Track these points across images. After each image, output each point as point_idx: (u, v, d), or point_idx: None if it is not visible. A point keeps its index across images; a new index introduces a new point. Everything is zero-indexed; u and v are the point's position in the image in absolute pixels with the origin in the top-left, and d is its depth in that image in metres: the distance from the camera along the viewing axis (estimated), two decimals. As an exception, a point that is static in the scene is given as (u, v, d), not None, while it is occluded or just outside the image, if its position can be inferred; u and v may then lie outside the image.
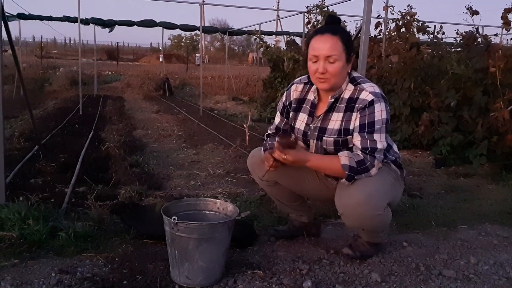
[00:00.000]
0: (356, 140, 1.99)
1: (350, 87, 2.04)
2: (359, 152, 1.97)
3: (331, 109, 2.07)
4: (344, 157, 1.96)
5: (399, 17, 5.58)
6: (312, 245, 2.40)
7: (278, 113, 2.30)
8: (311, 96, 2.16)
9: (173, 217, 1.87)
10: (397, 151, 2.20)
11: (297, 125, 2.18)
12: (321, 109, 2.12)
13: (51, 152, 4.53)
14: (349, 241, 2.31)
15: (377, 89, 2.02)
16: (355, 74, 2.09)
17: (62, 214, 2.61)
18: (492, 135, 4.34)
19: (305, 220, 2.46)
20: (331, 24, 2.05)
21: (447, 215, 3.01)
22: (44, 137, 5.38)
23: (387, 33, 6.24)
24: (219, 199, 2.58)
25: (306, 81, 2.18)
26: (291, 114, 2.22)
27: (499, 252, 2.41)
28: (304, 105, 2.18)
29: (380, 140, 1.97)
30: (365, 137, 1.97)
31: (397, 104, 5.32)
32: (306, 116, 2.16)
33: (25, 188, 3.12)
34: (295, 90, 2.21)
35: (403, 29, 5.57)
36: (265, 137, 2.35)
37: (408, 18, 5.49)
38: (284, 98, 2.26)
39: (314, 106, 2.14)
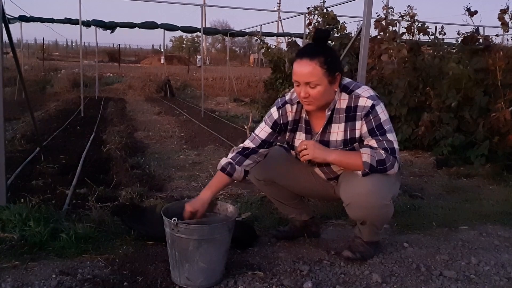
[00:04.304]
0: (372, 143, 2.00)
1: (344, 96, 2.03)
2: (381, 151, 1.97)
3: (329, 121, 2.07)
4: (366, 155, 1.96)
5: (395, 17, 5.55)
6: (313, 246, 2.40)
7: (265, 127, 2.17)
8: (303, 114, 2.14)
9: (173, 218, 1.87)
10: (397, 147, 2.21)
11: (296, 144, 2.18)
12: (317, 124, 2.12)
13: (52, 154, 4.54)
14: (348, 242, 2.31)
15: (371, 92, 2.03)
16: (345, 81, 2.07)
17: (63, 215, 2.62)
18: (493, 135, 4.33)
19: (305, 217, 2.48)
20: (318, 39, 2.00)
21: (448, 216, 3.01)
22: (45, 139, 5.40)
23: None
24: (219, 200, 2.58)
25: (298, 100, 2.11)
26: (288, 134, 2.20)
27: (500, 252, 2.41)
28: (300, 124, 2.17)
29: (394, 139, 2.01)
30: (380, 139, 1.98)
31: (396, 104, 5.32)
32: (304, 134, 2.16)
33: (26, 190, 3.13)
34: (291, 112, 2.15)
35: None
36: (232, 152, 2.17)
37: (409, 18, 5.48)
38: (277, 116, 2.15)
39: (308, 122, 2.14)
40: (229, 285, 1.95)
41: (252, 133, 2.22)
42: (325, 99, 2.01)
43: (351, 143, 2.06)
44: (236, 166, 2.11)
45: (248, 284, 1.96)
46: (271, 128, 2.17)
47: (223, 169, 2.11)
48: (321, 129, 2.09)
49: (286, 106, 2.16)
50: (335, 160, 2.04)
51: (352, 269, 2.14)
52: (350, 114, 2.03)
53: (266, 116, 2.21)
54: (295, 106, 2.15)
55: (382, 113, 1.99)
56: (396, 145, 2.01)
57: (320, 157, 2.02)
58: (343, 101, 2.04)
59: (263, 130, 2.18)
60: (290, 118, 2.16)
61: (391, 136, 2.00)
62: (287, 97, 2.17)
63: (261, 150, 2.17)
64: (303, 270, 2.09)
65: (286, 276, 2.04)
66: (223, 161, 2.14)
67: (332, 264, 2.18)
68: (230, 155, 2.16)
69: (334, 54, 2.04)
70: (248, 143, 2.17)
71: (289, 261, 2.20)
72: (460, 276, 2.11)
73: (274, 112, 2.18)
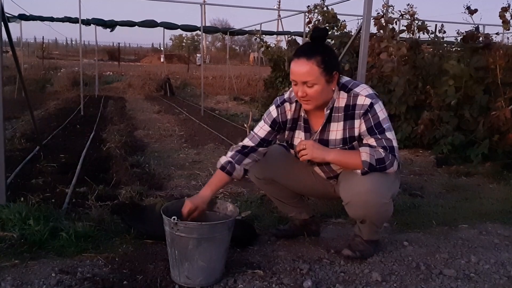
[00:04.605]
0: (371, 141, 1.99)
1: (343, 94, 2.03)
2: (380, 150, 1.97)
3: (328, 120, 2.07)
4: (365, 154, 1.96)
5: (395, 15, 5.53)
6: (313, 245, 2.40)
7: (264, 126, 2.17)
8: (302, 112, 2.14)
9: (173, 217, 1.87)
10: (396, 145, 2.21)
11: (295, 143, 2.18)
12: (316, 122, 2.12)
13: (52, 153, 4.54)
14: (348, 241, 2.31)
15: (370, 90, 2.03)
16: (343, 79, 2.07)
17: (62, 214, 2.62)
18: (493, 134, 4.33)
19: (305, 216, 2.48)
20: (315, 38, 2.00)
21: (448, 214, 3.01)
22: (45, 138, 5.39)
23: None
24: (219, 199, 2.58)
25: (296, 99, 2.10)
26: (287, 133, 2.20)
27: (500, 251, 2.41)
28: (299, 123, 2.17)
29: (393, 137, 2.01)
30: (379, 138, 1.98)
31: (395, 102, 5.31)
32: (303, 133, 2.16)
33: (26, 189, 3.13)
34: (290, 110, 2.15)
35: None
36: (231, 150, 2.17)
37: (409, 16, 5.46)
38: (275, 114, 2.16)
39: (306, 121, 2.14)
40: (229, 283, 1.95)
41: (251, 132, 2.22)
42: (323, 98, 2.00)
43: (350, 142, 2.06)
44: (236, 165, 2.11)
45: (248, 283, 1.95)
46: (270, 126, 2.17)
47: (222, 168, 2.11)
48: (320, 128, 2.09)
49: (285, 104, 2.16)
50: (334, 159, 2.04)
51: (352, 267, 2.14)
52: (349, 113, 2.02)
53: (265, 114, 2.21)
54: (294, 105, 2.15)
55: (381, 111, 1.99)
56: (395, 144, 2.01)
57: (319, 157, 2.02)
58: (341, 99, 2.03)
59: (262, 129, 2.18)
60: (289, 116, 2.16)
61: (390, 135, 2.00)
62: (286, 95, 2.17)
63: (260, 149, 2.17)
64: (303, 268, 2.09)
65: (286, 275, 2.04)
66: (223, 159, 2.14)
67: (332, 263, 2.18)
68: (229, 153, 2.16)
69: (331, 53, 2.03)
70: (247, 142, 2.17)
71: (289, 260, 2.20)
72: (460, 274, 2.11)
73: (273, 110, 2.18)
